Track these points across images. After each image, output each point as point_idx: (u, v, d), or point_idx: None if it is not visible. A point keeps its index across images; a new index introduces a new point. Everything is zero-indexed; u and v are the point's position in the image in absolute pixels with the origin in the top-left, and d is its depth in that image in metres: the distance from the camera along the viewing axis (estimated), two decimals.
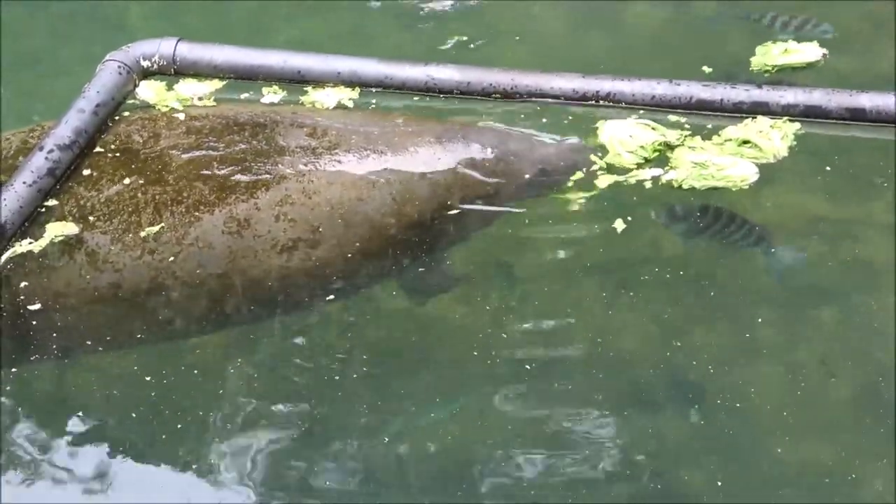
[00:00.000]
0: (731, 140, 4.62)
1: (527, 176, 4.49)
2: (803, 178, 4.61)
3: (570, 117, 4.80)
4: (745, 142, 4.60)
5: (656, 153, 4.61)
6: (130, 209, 4.17)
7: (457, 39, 5.65)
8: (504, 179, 4.46)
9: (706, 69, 5.14)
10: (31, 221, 4.23)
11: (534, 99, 4.80)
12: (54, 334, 4.09)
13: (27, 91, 5.70)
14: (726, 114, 4.70)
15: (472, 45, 5.60)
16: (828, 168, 4.60)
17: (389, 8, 5.98)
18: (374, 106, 4.87)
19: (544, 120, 4.79)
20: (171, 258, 4.08)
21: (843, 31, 5.35)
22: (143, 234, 4.10)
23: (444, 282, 4.36)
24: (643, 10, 5.83)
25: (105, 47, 5.11)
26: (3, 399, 4.04)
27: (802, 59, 5.13)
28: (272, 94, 4.87)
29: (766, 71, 5.12)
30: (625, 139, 4.64)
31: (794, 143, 4.62)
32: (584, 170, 4.55)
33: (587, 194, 4.49)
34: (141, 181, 4.25)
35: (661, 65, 5.18)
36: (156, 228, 4.10)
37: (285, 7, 6.07)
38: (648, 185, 4.52)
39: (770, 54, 5.15)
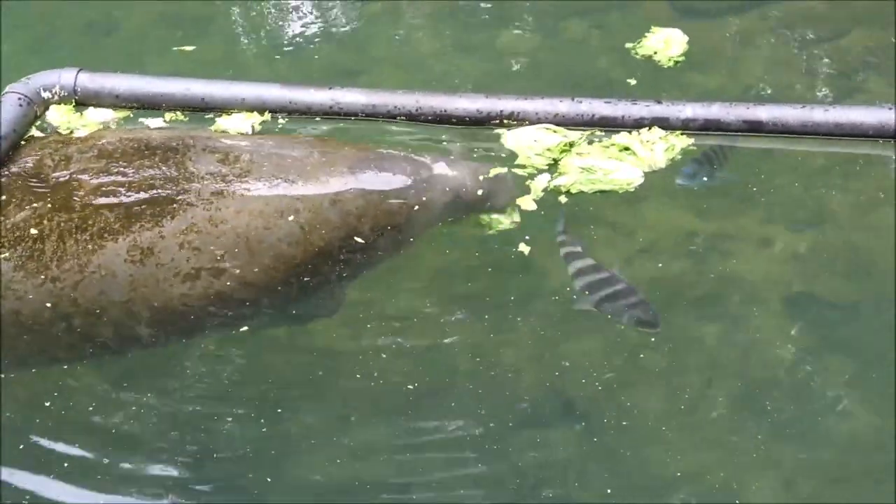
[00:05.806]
0: (614, 145, 4.76)
1: (440, 204, 4.49)
2: (679, 192, 4.73)
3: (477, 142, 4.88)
4: (626, 148, 4.74)
5: (563, 153, 4.75)
6: (35, 236, 4.10)
7: (332, 66, 5.72)
8: (417, 208, 4.43)
9: (631, 81, 5.34)
10: None
11: (439, 120, 4.85)
12: None
13: None
14: (629, 129, 4.78)
15: (349, 72, 5.67)
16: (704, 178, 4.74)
17: (262, 37, 6.00)
18: (293, 131, 4.86)
19: (473, 154, 4.85)
20: (73, 286, 4.05)
21: (708, 49, 5.58)
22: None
23: (332, 308, 4.40)
24: (513, 35, 5.98)
25: None
26: None
27: (683, 43, 5.49)
28: (175, 123, 4.83)
29: (677, 62, 5.41)
30: (531, 143, 4.78)
31: (679, 156, 4.73)
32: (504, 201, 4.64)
33: (502, 221, 4.61)
34: (48, 207, 4.17)
35: (538, 87, 5.29)
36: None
37: (156, 40, 6.01)
38: (564, 199, 4.64)
39: (661, 50, 5.45)
